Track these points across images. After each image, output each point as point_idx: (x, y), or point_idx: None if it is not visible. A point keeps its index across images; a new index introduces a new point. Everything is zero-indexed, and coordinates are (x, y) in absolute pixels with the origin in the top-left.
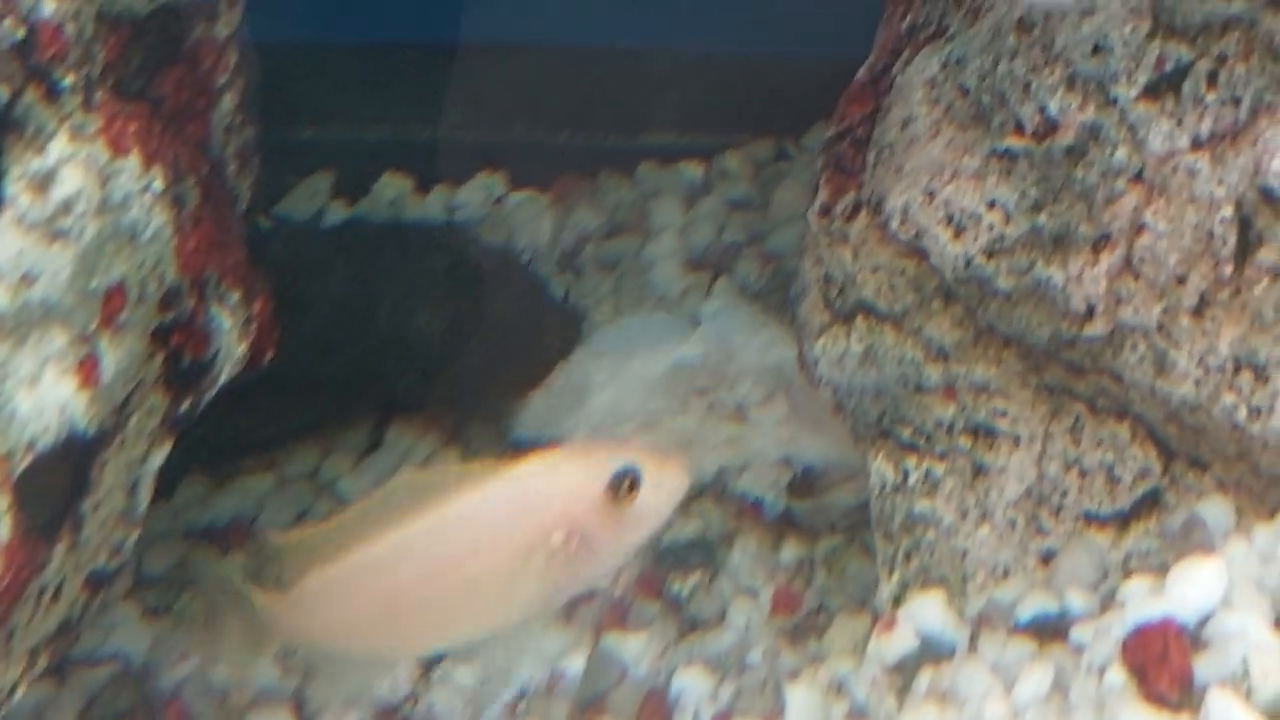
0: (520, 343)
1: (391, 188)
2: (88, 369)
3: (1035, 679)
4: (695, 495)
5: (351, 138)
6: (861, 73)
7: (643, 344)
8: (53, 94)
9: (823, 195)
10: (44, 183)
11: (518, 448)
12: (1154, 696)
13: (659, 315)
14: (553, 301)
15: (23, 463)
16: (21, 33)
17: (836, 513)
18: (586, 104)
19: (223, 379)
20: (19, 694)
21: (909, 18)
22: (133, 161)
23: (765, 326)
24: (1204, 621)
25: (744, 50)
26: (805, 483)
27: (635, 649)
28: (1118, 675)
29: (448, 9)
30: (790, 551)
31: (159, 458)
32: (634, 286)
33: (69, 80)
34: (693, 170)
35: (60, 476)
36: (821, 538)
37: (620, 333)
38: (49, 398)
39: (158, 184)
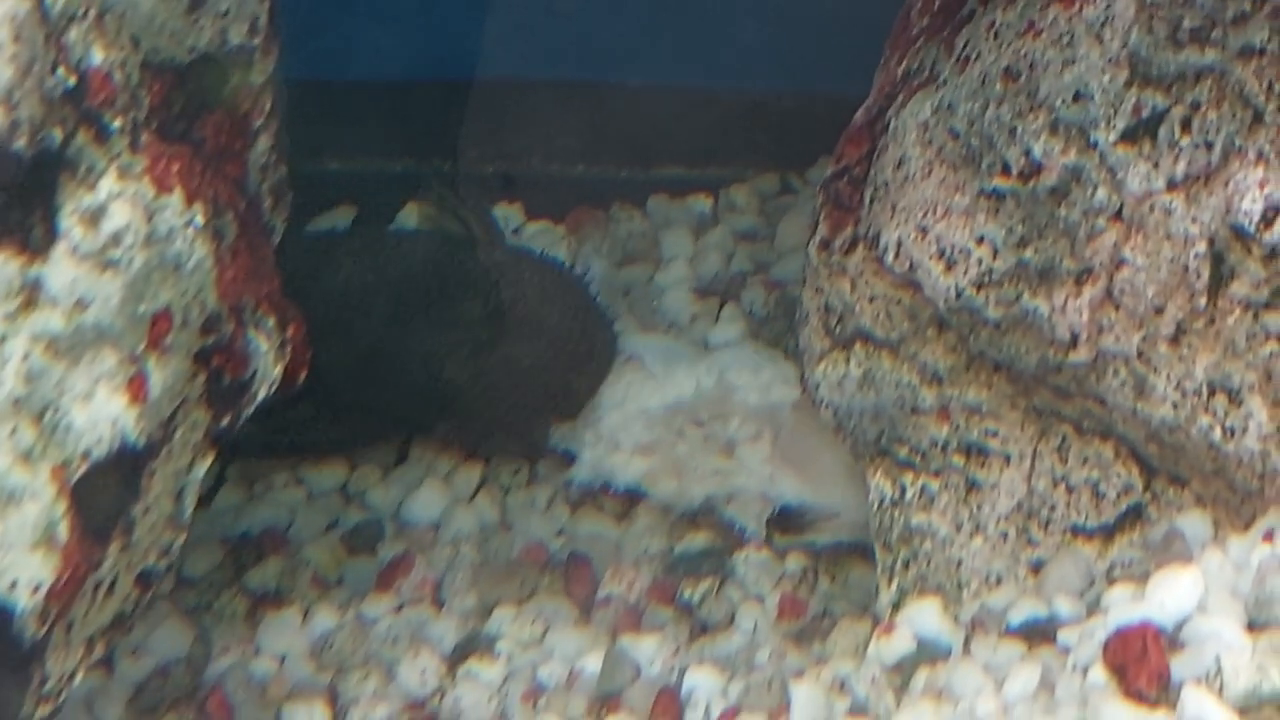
0: (567, 359)
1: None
2: (137, 387)
3: (1023, 678)
4: (687, 518)
5: (375, 170)
6: (859, 115)
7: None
8: (102, 136)
9: (822, 230)
10: (95, 217)
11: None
12: (1133, 693)
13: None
14: (602, 318)
15: (78, 471)
16: (73, 80)
17: (813, 550)
18: (600, 139)
19: (260, 397)
20: (78, 678)
21: (904, 64)
22: (176, 198)
23: (769, 366)
24: (1181, 625)
25: (750, 88)
26: (783, 519)
27: (649, 649)
28: (1100, 674)
29: (466, 49)
30: (795, 561)
31: (202, 468)
32: (645, 312)
33: (117, 123)
34: (702, 202)
35: (113, 484)
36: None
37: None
38: (102, 412)
39: (199, 219)
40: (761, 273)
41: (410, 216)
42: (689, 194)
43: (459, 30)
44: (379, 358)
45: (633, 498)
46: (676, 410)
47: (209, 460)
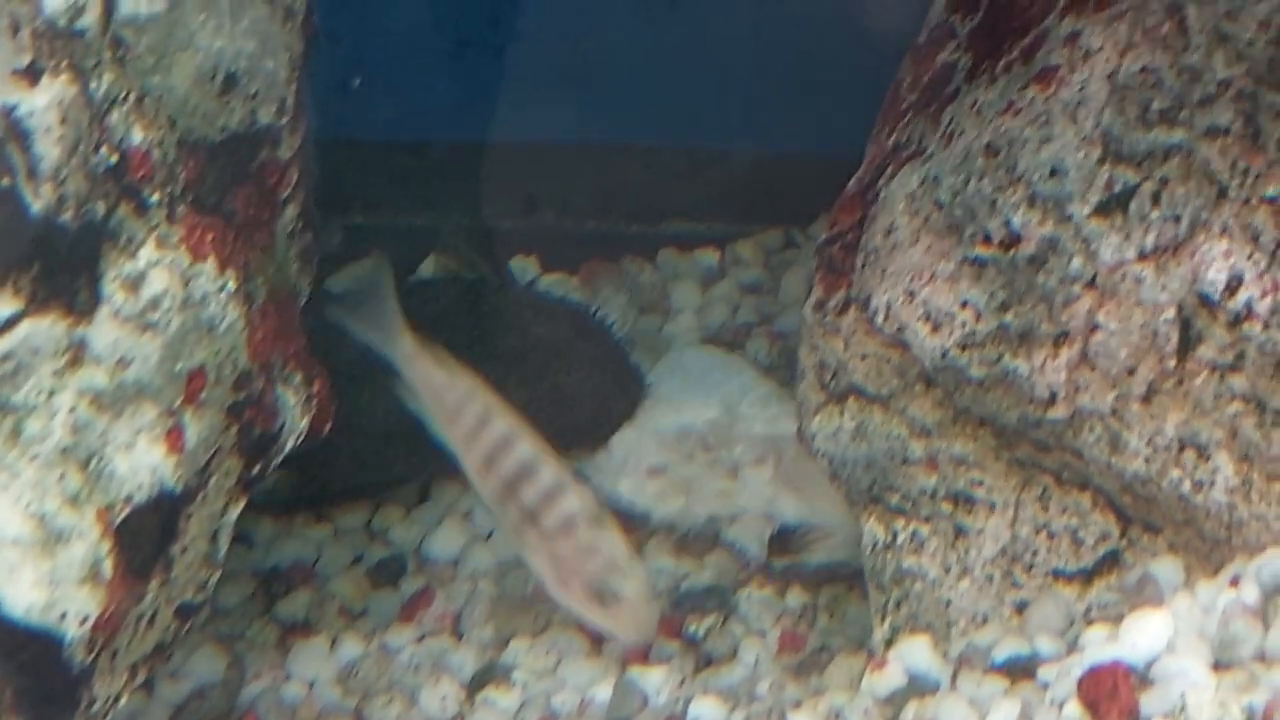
0: (590, 399)
1: (435, 268)
2: (174, 438)
3: (1005, 712)
4: (691, 537)
5: (399, 224)
6: (851, 184)
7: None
8: (142, 209)
9: (817, 292)
10: (135, 283)
11: None
12: None
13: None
14: (626, 361)
15: (121, 514)
16: (115, 158)
17: (809, 569)
18: (612, 195)
19: (288, 447)
20: (122, 701)
21: (894, 136)
22: (210, 265)
23: (776, 402)
24: (1151, 663)
25: (755, 148)
26: (783, 539)
27: (656, 680)
28: (1074, 709)
29: (486, 113)
30: (795, 598)
31: (235, 512)
32: (654, 362)
33: (155, 197)
34: (709, 256)
35: (153, 526)
36: (824, 586)
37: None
38: (142, 461)
39: (231, 284)
40: (766, 324)
41: (429, 267)
42: (697, 248)
43: (480, 95)
44: None
45: (641, 521)
46: (686, 434)
47: (241, 505)
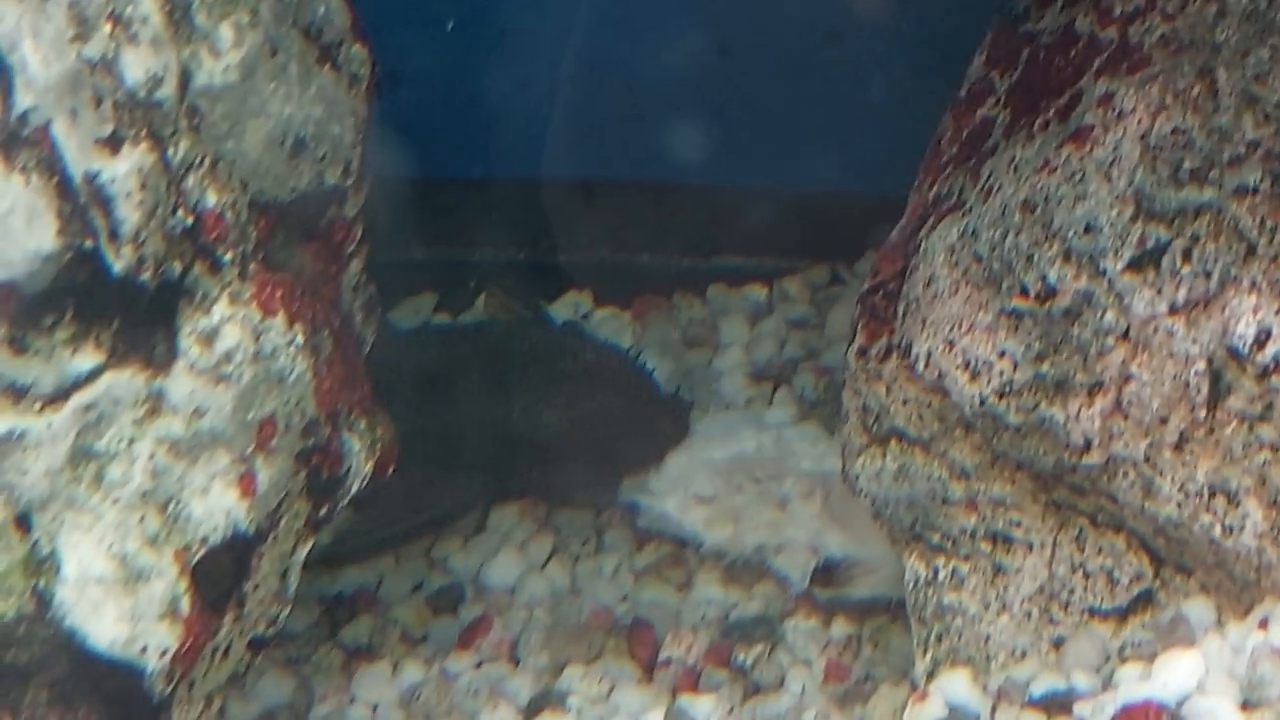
0: (628, 432)
1: (490, 305)
2: (247, 483)
3: None
4: (738, 565)
5: (455, 260)
6: (894, 234)
7: (734, 434)
8: (215, 267)
9: (860, 339)
10: (210, 338)
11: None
12: None
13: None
14: (662, 396)
15: (197, 554)
16: (190, 220)
17: (851, 602)
18: (663, 232)
19: (354, 490)
20: None
21: (935, 188)
22: (279, 320)
23: (824, 441)
24: (1182, 702)
25: (802, 187)
26: (827, 572)
27: (705, 708)
28: None
29: (541, 150)
30: (840, 628)
31: (304, 551)
32: (704, 395)
33: (228, 256)
34: (757, 292)
35: (227, 565)
36: (868, 618)
37: (720, 424)
38: (217, 504)
39: (299, 338)
40: (812, 359)
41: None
42: (745, 284)
43: (535, 134)
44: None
45: (691, 548)
46: (738, 465)
47: (309, 544)
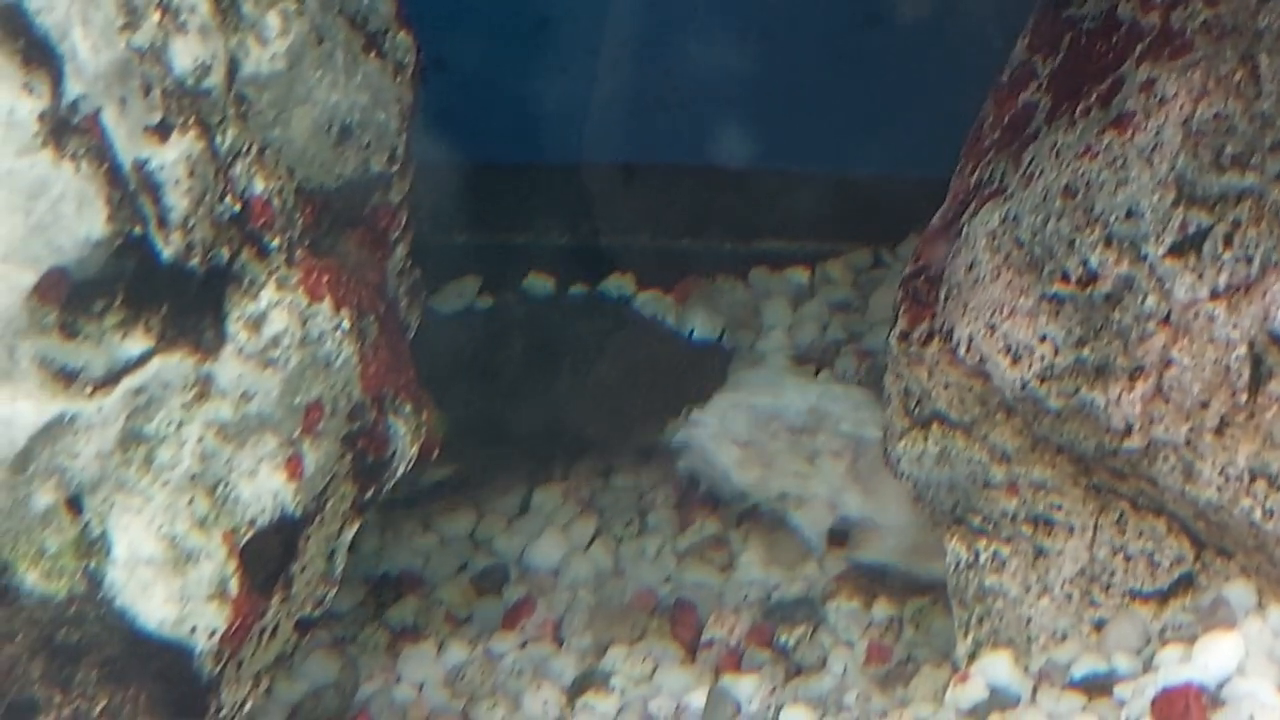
0: (672, 379)
1: (536, 286)
2: (294, 466)
3: None
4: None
5: (500, 243)
6: (936, 219)
7: (777, 387)
8: (263, 253)
9: (902, 323)
10: (257, 323)
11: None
12: None
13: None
14: (700, 345)
15: (245, 536)
16: (238, 207)
17: (859, 565)
18: (706, 216)
19: (400, 473)
20: (248, 707)
21: (977, 174)
22: (326, 305)
23: (867, 408)
24: (1222, 684)
25: (844, 170)
26: (841, 531)
27: (748, 688)
28: None
29: (586, 136)
30: (882, 610)
31: (350, 533)
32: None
33: (275, 242)
34: (799, 275)
35: (274, 546)
36: (910, 599)
37: (764, 376)
38: (265, 487)
39: (345, 323)
40: (854, 342)
41: (533, 288)
42: (788, 267)
43: (579, 119)
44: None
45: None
46: (776, 415)
47: (356, 526)
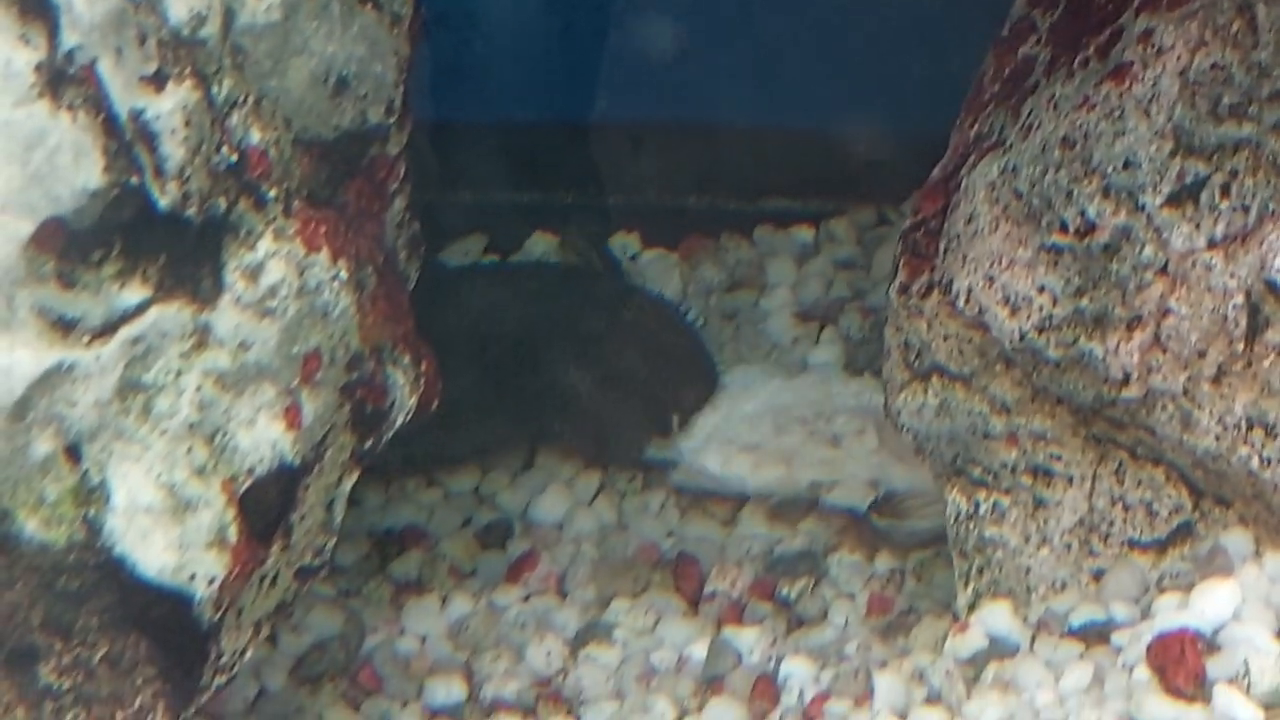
0: (666, 381)
1: (540, 245)
2: (292, 415)
3: (1078, 674)
4: (791, 503)
5: (505, 201)
6: (935, 172)
7: (764, 384)
8: (260, 203)
9: (901, 276)
10: (254, 273)
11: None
12: (1172, 690)
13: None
14: (702, 350)
15: (244, 485)
16: (235, 157)
17: (913, 533)
18: (710, 173)
19: (398, 423)
20: (248, 654)
21: (976, 127)
22: (323, 256)
23: (857, 380)
24: (1218, 630)
25: (848, 127)
26: (888, 504)
27: (750, 640)
28: (1144, 673)
29: (590, 94)
30: (884, 562)
31: (349, 483)
32: (750, 334)
33: (272, 193)
34: (804, 233)
35: (273, 495)
36: (912, 552)
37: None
38: (263, 436)
39: (343, 273)
40: (858, 299)
41: (536, 247)
42: (792, 225)
43: (583, 76)
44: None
45: (737, 497)
46: (779, 412)
47: (355, 476)
